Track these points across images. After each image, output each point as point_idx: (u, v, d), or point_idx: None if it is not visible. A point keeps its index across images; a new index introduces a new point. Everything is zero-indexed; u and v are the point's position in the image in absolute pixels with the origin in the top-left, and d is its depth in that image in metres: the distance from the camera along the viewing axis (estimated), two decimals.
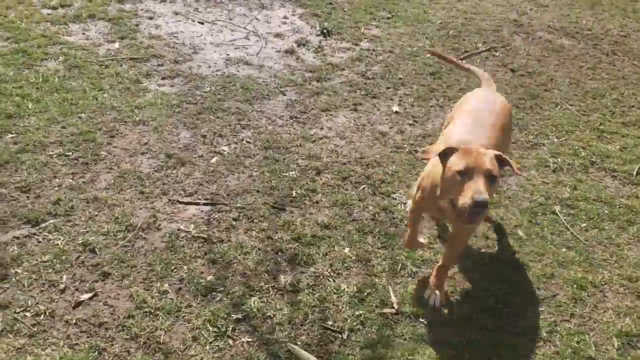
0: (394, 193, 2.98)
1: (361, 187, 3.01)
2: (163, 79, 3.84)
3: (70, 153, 3.01)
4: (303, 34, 4.67)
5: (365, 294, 2.34)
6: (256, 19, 4.88)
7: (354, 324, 2.19)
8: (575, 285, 2.45)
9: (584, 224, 2.85)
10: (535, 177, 3.21)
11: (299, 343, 2.09)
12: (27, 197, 2.69)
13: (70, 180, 2.83)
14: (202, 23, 4.69)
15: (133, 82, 3.74)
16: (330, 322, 2.20)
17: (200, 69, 4.01)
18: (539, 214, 2.90)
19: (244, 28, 4.68)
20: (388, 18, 5.14)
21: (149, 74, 3.88)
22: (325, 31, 4.70)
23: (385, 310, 2.28)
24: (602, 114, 3.94)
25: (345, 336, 2.14)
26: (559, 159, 3.39)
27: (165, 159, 3.07)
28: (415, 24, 5.07)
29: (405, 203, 2.86)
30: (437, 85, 4.09)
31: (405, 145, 3.40)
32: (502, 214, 2.87)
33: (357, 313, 2.24)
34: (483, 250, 2.64)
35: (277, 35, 4.63)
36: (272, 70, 4.11)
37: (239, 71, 4.05)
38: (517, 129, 3.65)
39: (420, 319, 2.24)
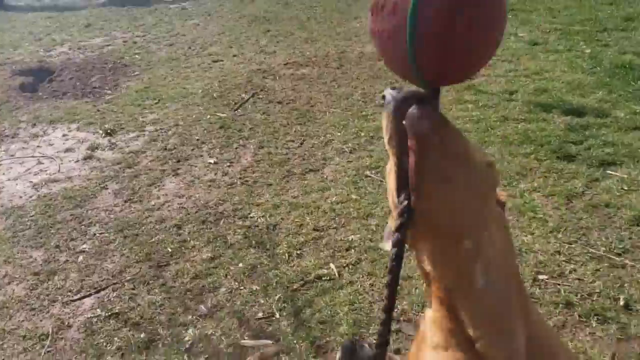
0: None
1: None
2: None
3: None
4: (90, 141, 4.93)
5: None
6: (38, 147, 4.99)
7: None
8: None
9: None
10: None
11: None
12: None
13: None
14: None
15: None
16: None
17: (13, 202, 4.05)
18: None
19: (32, 157, 4.78)
20: (156, 102, 5.64)
21: None
22: (109, 131, 5.03)
23: None
24: None
25: None
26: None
27: (34, 277, 3.15)
28: (181, 99, 5.66)
29: None
30: (231, 134, 4.71)
31: (237, 181, 3.94)
32: None
33: None
34: None
35: (68, 150, 4.82)
36: (81, 176, 4.31)
37: (51, 189, 4.18)
38: None
39: None
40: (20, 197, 4.13)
